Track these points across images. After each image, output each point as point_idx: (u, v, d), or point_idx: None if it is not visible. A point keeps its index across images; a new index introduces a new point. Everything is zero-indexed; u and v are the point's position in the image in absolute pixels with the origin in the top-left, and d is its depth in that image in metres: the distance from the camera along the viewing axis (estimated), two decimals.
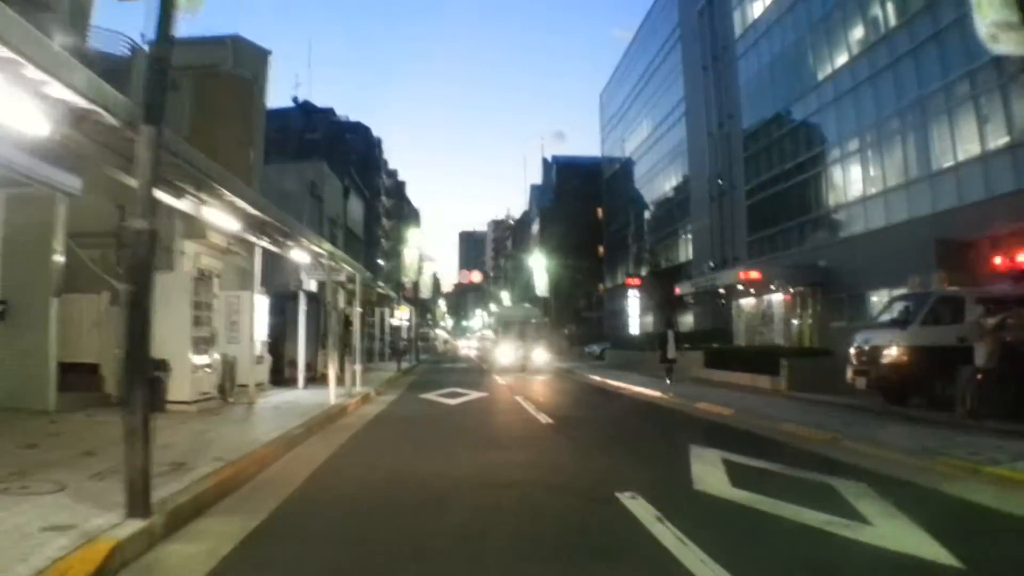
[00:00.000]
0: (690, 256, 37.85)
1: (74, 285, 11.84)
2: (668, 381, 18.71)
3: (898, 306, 14.20)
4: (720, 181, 32.58)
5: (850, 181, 25.04)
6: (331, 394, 12.20)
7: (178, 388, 10.99)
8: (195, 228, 13.32)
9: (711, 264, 30.41)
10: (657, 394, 16.17)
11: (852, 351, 13.96)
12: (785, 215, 27.89)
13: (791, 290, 20.45)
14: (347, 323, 25.50)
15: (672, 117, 41.40)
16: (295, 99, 73.91)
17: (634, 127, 50.96)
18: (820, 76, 26.87)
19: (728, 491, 5.94)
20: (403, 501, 5.57)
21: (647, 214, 46.61)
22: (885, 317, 14.28)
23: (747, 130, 31.16)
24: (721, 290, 27.10)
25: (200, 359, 11.34)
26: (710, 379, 19.77)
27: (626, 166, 53.90)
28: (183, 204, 8.47)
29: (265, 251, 16.82)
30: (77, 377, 11.35)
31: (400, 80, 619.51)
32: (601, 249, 59.64)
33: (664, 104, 42.98)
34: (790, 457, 7.87)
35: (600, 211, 61.06)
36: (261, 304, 15.58)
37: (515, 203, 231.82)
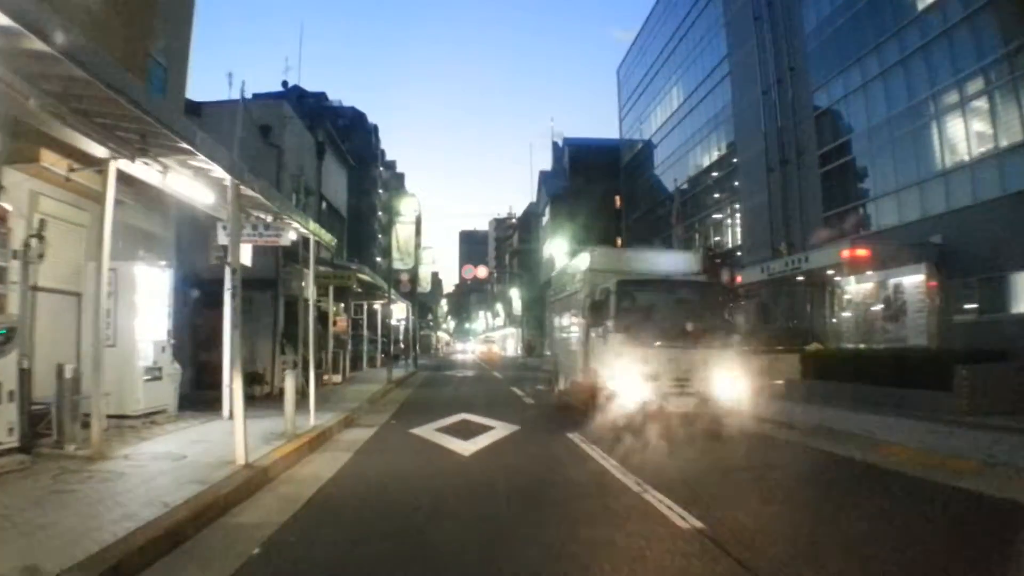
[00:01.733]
0: (738, 241, 32.05)
1: None
2: None
3: None
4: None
5: (974, 132, 19.32)
6: (239, 443, 6.46)
7: None
8: (23, 148, 7.59)
9: (782, 245, 24.60)
10: (782, 420, 10.46)
11: None
12: (876, 183, 22.19)
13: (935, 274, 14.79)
14: (323, 319, 19.78)
15: (711, 80, 35.64)
16: (284, 83, 68.51)
17: (660, 99, 45.15)
18: (920, 5, 21.22)
19: None
20: None
21: (679, 196, 40.99)
22: None
23: (818, 83, 25.43)
24: (800, 278, 21.43)
25: None
26: (820, 395, 13.96)
27: (650, 145, 48.15)
28: None
29: (190, 214, 11.21)
30: None
31: (396, 81, 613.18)
32: (620, 241, 53.83)
33: (700, 67, 37.22)
34: None
35: (618, 199, 55.31)
36: (154, 281, 9.94)
37: (517, 203, 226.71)
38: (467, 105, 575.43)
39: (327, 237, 10.79)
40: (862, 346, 16.94)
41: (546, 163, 78.64)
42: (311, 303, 10.11)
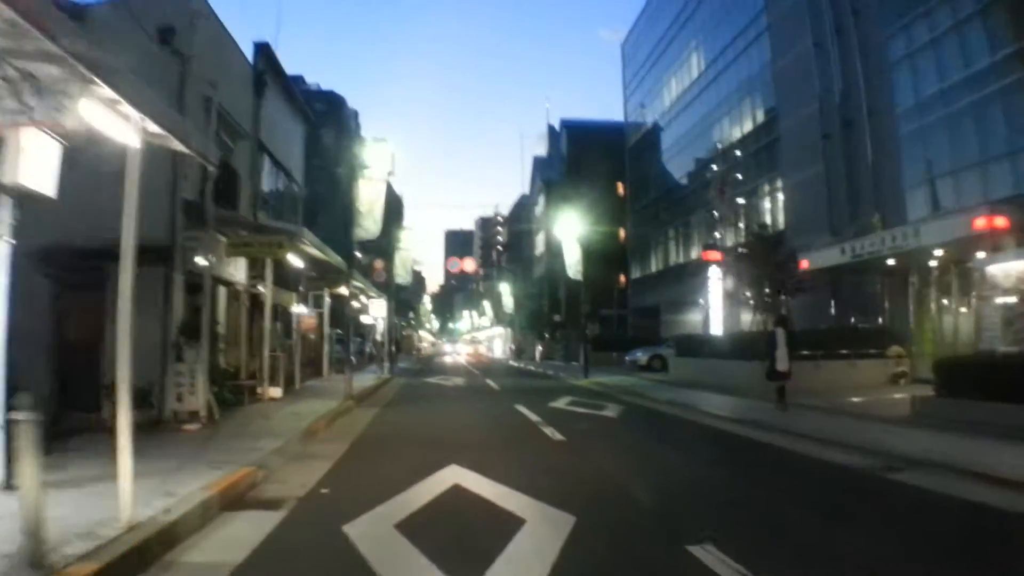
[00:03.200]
0: (780, 224, 27.04)
1: None
2: (782, 409, 11.45)
3: None
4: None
5: None
6: None
7: None
8: None
9: (876, 218, 19.54)
10: None
11: None
12: (990, 140, 17.32)
13: None
14: (263, 309, 14.57)
15: (743, 40, 30.76)
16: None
17: (676, 70, 40.15)
18: None
19: None
20: None
21: (696, 179, 36.16)
22: None
23: (893, 27, 20.54)
24: (890, 261, 16.54)
25: None
26: (990, 421, 8.84)
27: (662, 124, 43.16)
28: None
29: None
30: None
31: (379, 75, 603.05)
32: (622, 232, 48.81)
33: (728, 27, 32.32)
34: None
35: (621, 187, 50.26)
36: None
37: (504, 201, 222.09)
38: (452, 102, 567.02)
39: (202, 144, 5.39)
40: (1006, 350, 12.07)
41: (538, 153, 73.51)
42: (129, 265, 4.78)
